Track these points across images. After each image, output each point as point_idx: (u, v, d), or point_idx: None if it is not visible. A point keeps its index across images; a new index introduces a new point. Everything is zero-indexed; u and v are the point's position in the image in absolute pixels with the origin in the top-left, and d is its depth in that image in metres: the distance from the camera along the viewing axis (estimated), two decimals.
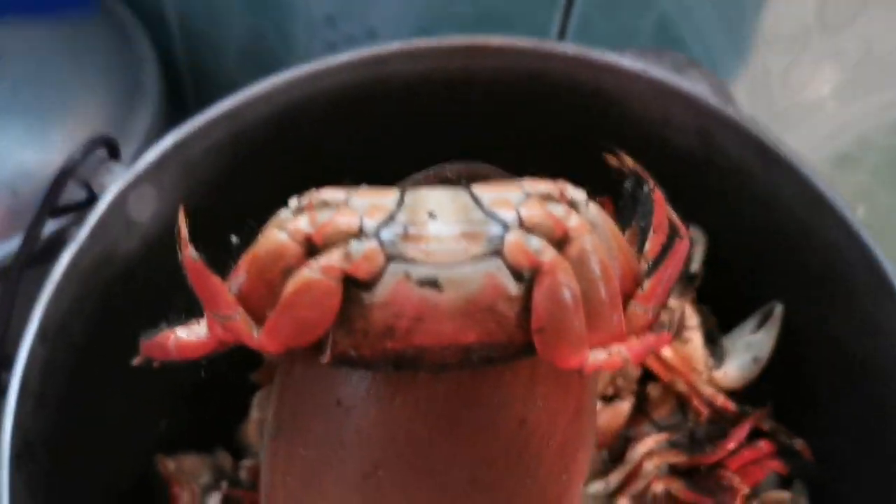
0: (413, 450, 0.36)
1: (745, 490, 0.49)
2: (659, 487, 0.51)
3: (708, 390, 0.54)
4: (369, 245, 0.31)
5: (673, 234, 0.35)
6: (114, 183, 0.46)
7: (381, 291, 0.30)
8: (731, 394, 0.53)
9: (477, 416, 0.36)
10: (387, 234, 0.31)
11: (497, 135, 0.51)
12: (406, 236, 0.31)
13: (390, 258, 0.30)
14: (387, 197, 0.32)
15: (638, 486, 0.52)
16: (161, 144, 0.46)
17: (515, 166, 0.40)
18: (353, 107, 0.50)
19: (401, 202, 0.32)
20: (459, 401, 0.36)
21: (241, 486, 0.54)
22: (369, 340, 0.32)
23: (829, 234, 0.47)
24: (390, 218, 0.32)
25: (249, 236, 0.33)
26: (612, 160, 0.38)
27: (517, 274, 0.31)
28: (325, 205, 0.32)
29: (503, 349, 0.32)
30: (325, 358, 0.33)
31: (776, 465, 0.52)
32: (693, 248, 0.43)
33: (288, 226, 0.32)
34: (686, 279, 0.56)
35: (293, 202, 0.33)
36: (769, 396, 0.53)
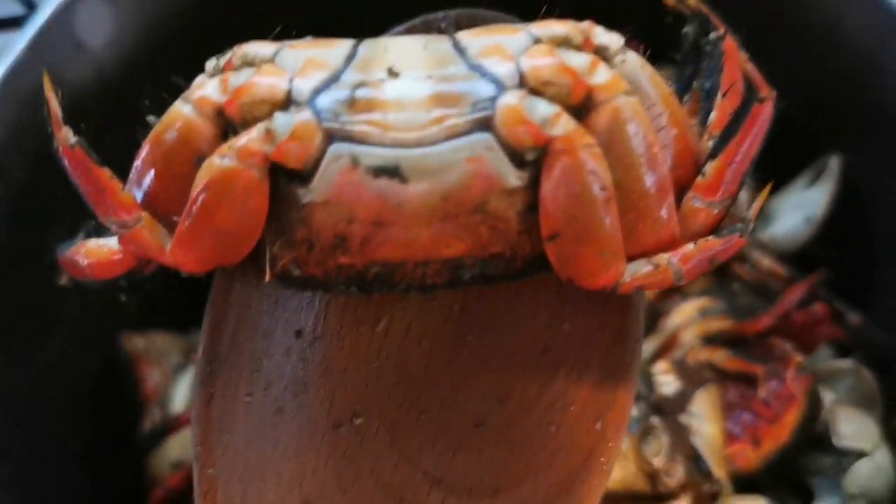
0: (403, 388, 0.30)
1: (798, 358, 0.45)
2: (701, 356, 0.46)
3: (753, 253, 0.49)
4: (300, 117, 0.22)
5: (748, 96, 0.27)
6: None
7: (322, 185, 0.22)
8: (780, 259, 0.50)
9: (486, 342, 0.30)
10: (326, 101, 0.22)
11: None
12: (353, 103, 0.22)
13: (331, 136, 0.22)
14: (331, 49, 0.23)
15: (675, 355, 0.48)
16: None
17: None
18: None
19: (351, 56, 0.23)
20: (464, 323, 0.29)
21: None
22: (316, 255, 0.24)
23: None
24: (333, 78, 0.23)
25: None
26: None
27: (517, 156, 0.23)
28: (248, 63, 0.23)
29: (505, 265, 0.25)
30: (267, 277, 0.24)
31: (833, 331, 0.48)
32: None
33: (193, 94, 0.23)
34: None
35: (211, 62, 0.24)
36: (824, 263, 0.48)
